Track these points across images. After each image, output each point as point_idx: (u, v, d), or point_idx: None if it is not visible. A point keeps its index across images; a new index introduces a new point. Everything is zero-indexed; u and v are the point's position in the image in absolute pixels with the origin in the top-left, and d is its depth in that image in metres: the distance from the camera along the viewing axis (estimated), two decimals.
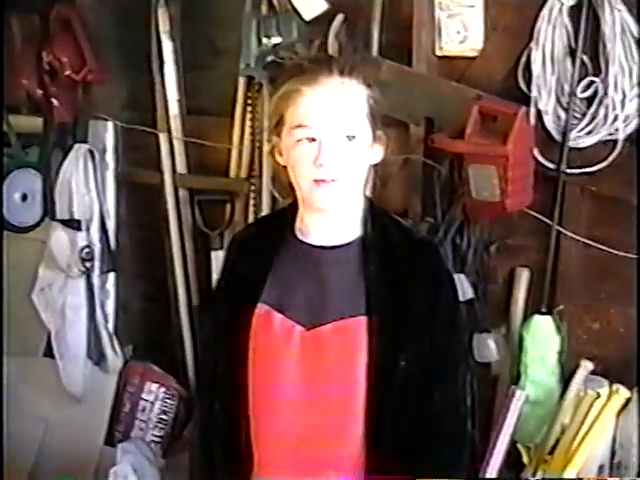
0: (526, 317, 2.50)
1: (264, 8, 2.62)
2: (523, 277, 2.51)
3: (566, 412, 2.40)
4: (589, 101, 2.28)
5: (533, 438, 2.47)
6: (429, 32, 2.46)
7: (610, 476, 2.43)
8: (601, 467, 2.43)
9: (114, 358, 2.94)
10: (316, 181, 1.46)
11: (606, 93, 2.23)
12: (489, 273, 2.54)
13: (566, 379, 2.45)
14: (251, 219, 2.78)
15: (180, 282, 2.97)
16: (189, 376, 2.99)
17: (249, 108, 2.73)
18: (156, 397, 2.94)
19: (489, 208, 2.32)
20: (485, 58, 2.43)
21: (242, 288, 1.57)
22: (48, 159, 2.91)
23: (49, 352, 2.98)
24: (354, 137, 1.46)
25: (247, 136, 2.76)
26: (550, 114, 2.31)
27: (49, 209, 2.88)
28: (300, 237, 1.56)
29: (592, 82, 2.26)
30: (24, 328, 3.05)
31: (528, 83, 2.33)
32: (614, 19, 2.17)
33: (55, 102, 2.86)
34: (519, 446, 2.50)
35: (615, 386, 2.32)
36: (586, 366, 2.42)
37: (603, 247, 2.38)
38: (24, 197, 2.93)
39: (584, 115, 2.28)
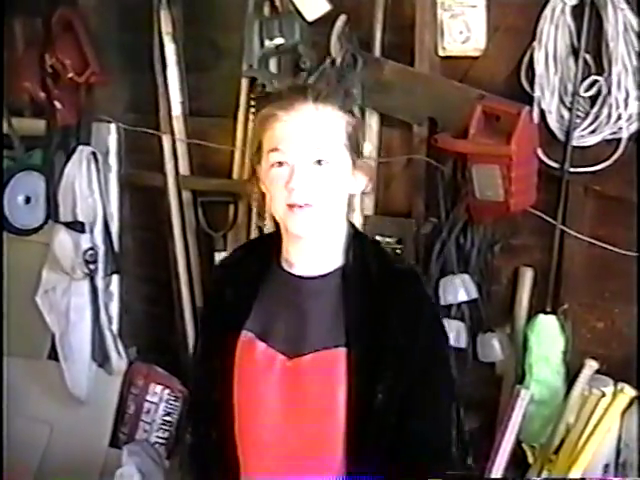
0: (530, 317, 2.49)
1: (266, 9, 2.63)
2: (527, 277, 2.51)
3: (571, 411, 2.40)
4: (592, 100, 2.28)
5: (538, 438, 2.47)
6: (432, 32, 2.46)
7: (615, 475, 2.43)
8: (606, 466, 2.43)
9: (118, 360, 2.95)
10: (289, 206, 1.46)
11: (609, 92, 2.22)
12: (493, 273, 2.53)
13: (571, 378, 2.44)
14: (254, 220, 2.78)
15: (184, 284, 2.97)
16: None
17: (252, 109, 2.73)
18: (160, 399, 2.94)
19: (493, 208, 2.31)
20: (488, 58, 2.43)
21: (228, 314, 1.59)
22: (51, 161, 2.92)
23: (53, 354, 2.98)
24: (327, 162, 1.46)
25: (250, 137, 2.76)
26: (553, 113, 2.30)
27: (52, 211, 2.89)
28: (284, 266, 1.56)
29: (595, 81, 2.25)
30: (28, 330, 3.06)
31: (531, 83, 2.32)
32: (617, 18, 2.17)
33: (58, 105, 2.87)
34: (524, 446, 2.50)
35: (620, 385, 2.31)
36: (591, 365, 2.42)
37: (607, 246, 2.37)
38: (27, 200, 2.93)
39: (587, 114, 2.27)
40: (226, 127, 2.82)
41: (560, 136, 2.31)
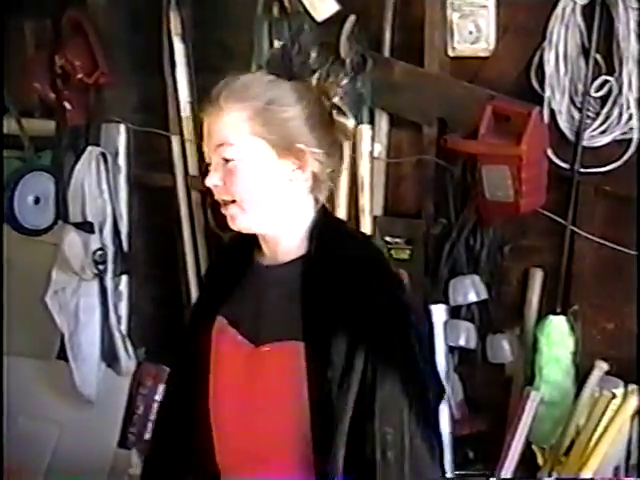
0: (540, 318, 2.48)
1: (275, 10, 2.62)
2: (537, 277, 2.50)
3: (581, 413, 2.39)
4: (603, 100, 2.27)
5: (548, 439, 2.46)
6: (441, 33, 2.46)
7: (625, 477, 2.42)
8: (617, 468, 2.42)
9: (127, 360, 2.95)
10: (219, 202, 1.50)
11: (620, 92, 2.22)
12: (503, 274, 2.53)
13: (581, 380, 2.44)
14: None
15: (193, 284, 2.97)
16: None
17: None
18: None
19: (503, 209, 2.31)
20: (498, 58, 2.43)
21: (207, 301, 1.61)
22: (61, 162, 2.92)
23: (63, 355, 2.99)
24: (234, 160, 1.44)
25: None
26: (564, 114, 2.30)
27: (62, 212, 2.89)
28: (257, 256, 1.56)
29: (606, 81, 2.25)
30: (37, 331, 3.07)
31: (541, 83, 2.32)
32: (628, 17, 2.16)
33: (68, 105, 2.88)
34: (534, 447, 2.49)
35: (630, 387, 2.30)
36: (601, 366, 2.41)
37: (617, 247, 2.36)
38: (37, 200, 2.94)
39: (598, 114, 2.27)
40: None
41: (570, 136, 2.31)
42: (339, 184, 2.56)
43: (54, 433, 2.99)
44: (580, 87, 2.28)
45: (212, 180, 1.48)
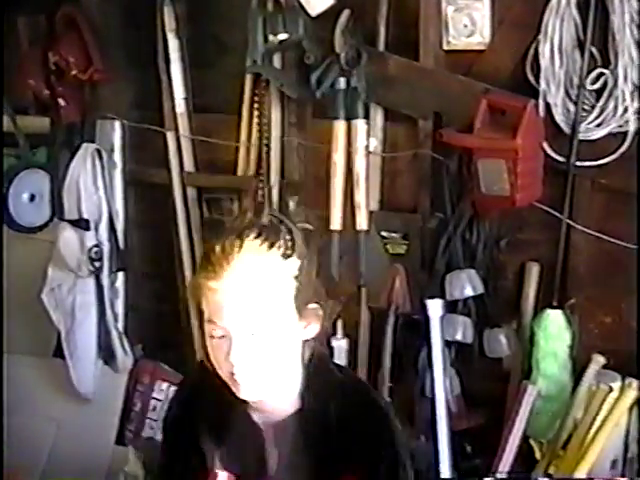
0: (537, 311, 2.48)
1: (270, 5, 2.61)
2: (533, 271, 2.50)
3: (578, 407, 2.39)
4: (598, 93, 2.26)
5: (545, 433, 2.46)
6: (436, 26, 2.45)
7: (623, 470, 2.42)
8: (614, 462, 2.42)
9: (124, 357, 2.94)
10: (233, 374, 1.36)
11: (616, 85, 2.21)
12: (499, 268, 2.53)
13: (578, 373, 2.43)
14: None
15: (189, 280, 2.96)
16: None
17: (256, 105, 2.72)
18: (166, 396, 2.93)
19: (499, 202, 2.31)
20: (493, 52, 2.42)
21: (195, 456, 1.51)
22: (56, 159, 2.92)
23: (59, 352, 2.98)
24: (265, 331, 1.33)
25: (254, 133, 2.75)
26: (559, 107, 2.29)
27: (57, 209, 2.89)
28: (241, 405, 1.46)
29: (601, 74, 2.24)
30: (34, 328, 3.06)
31: (536, 76, 2.31)
32: (623, 9, 2.15)
33: (62, 102, 2.87)
34: (531, 441, 2.49)
35: (628, 380, 2.30)
36: (598, 360, 2.40)
37: (614, 240, 2.36)
38: (32, 197, 2.93)
39: (593, 107, 2.26)
40: (230, 123, 2.81)
41: (566, 130, 2.30)
42: (335, 179, 2.57)
43: (51, 430, 2.99)
44: (575, 80, 2.27)
45: (240, 359, 1.34)
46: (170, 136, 2.91)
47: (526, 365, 2.49)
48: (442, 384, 2.43)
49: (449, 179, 2.45)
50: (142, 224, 3.10)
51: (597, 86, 2.25)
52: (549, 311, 2.42)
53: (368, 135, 2.55)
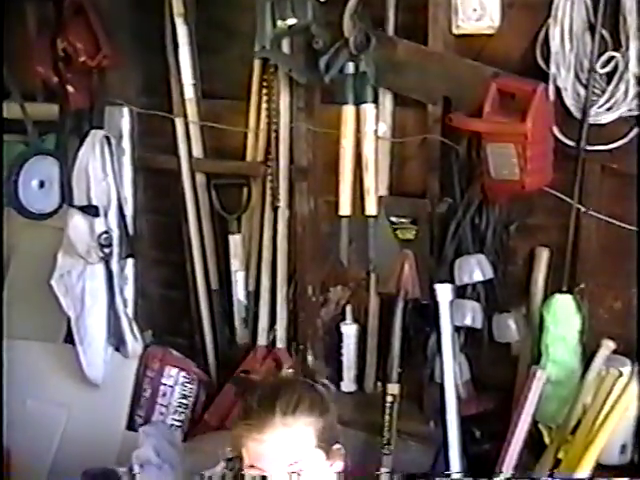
0: (546, 297, 2.47)
1: None
2: (543, 256, 2.49)
3: (588, 392, 2.38)
4: (609, 77, 2.24)
5: (555, 418, 2.45)
6: (445, 10, 2.42)
7: (632, 455, 2.42)
8: (623, 447, 2.42)
9: (134, 343, 2.95)
10: None
11: (626, 68, 2.19)
12: (509, 253, 2.52)
13: (588, 359, 2.43)
14: (268, 202, 2.77)
15: (198, 267, 2.97)
16: (208, 360, 3.00)
17: (265, 90, 2.71)
18: (176, 381, 2.95)
19: (508, 187, 2.29)
20: (502, 35, 2.40)
21: None
22: (65, 146, 2.92)
23: (70, 338, 3.00)
24: (302, 471, 1.58)
25: (263, 119, 2.75)
26: (569, 91, 2.27)
27: (67, 196, 2.89)
28: None
29: (612, 57, 2.22)
30: (44, 315, 3.07)
31: (546, 60, 2.29)
32: None
33: (70, 88, 2.87)
34: (540, 426, 2.49)
35: (637, 365, 2.29)
36: (608, 345, 2.40)
37: (624, 225, 2.35)
38: (42, 184, 2.94)
39: (604, 91, 2.24)
40: (239, 109, 2.81)
41: (576, 114, 2.28)
42: (344, 164, 2.56)
43: (62, 416, 3.00)
44: (586, 63, 2.25)
45: None
46: (179, 122, 2.91)
47: (535, 350, 2.48)
48: (451, 369, 2.43)
49: (458, 164, 2.43)
50: (151, 210, 3.10)
51: (608, 69, 2.23)
52: (558, 296, 2.41)
53: (377, 120, 2.54)
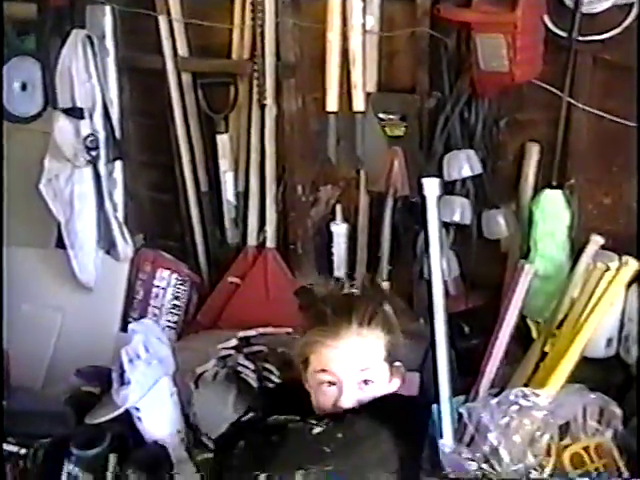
0: (536, 193, 2.46)
1: None
2: (533, 152, 2.47)
3: (575, 287, 2.40)
4: None
5: (542, 313, 2.48)
6: None
7: (618, 348, 2.45)
8: (609, 340, 2.45)
9: (124, 246, 2.95)
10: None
11: None
12: (498, 148, 2.50)
13: (576, 254, 2.43)
14: (255, 100, 2.72)
15: (187, 169, 2.94)
16: (200, 262, 3.01)
17: None
18: (168, 283, 2.97)
19: (497, 79, 2.25)
20: None
21: None
22: (46, 46, 2.83)
23: (61, 244, 3.00)
24: (372, 382, 1.73)
25: (248, 14, 2.67)
26: None
27: (50, 98, 2.83)
28: None
29: None
30: (34, 220, 3.06)
31: None
32: None
33: None
34: (529, 321, 2.52)
35: (625, 258, 2.29)
36: (596, 241, 2.40)
37: (616, 119, 2.31)
38: (24, 86, 2.87)
39: None
40: (224, 5, 2.73)
41: (568, 2, 2.23)
42: (330, 59, 2.50)
43: (57, 319, 3.03)
44: None
45: (349, 403, 1.71)
46: (162, 20, 2.82)
47: (524, 247, 2.49)
48: (439, 265, 2.42)
49: (447, 57, 2.39)
50: (137, 112, 3.04)
51: None
52: (548, 191, 2.40)
53: (364, 13, 2.47)
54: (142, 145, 3.09)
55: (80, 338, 2.95)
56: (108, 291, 2.99)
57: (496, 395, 2.25)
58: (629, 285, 2.35)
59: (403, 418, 1.74)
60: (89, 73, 2.82)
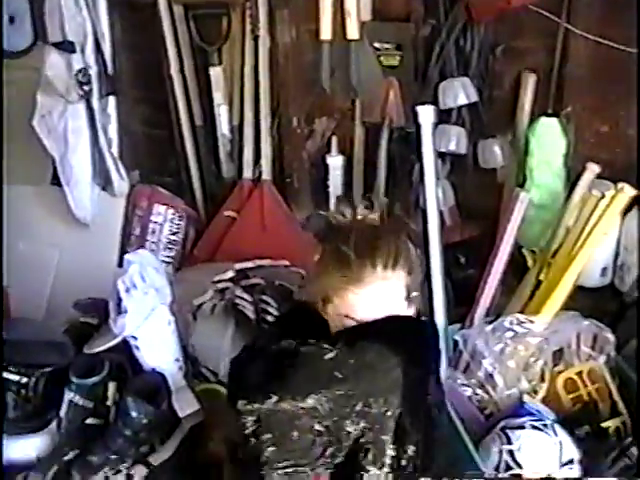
0: (533, 122, 2.44)
1: None
2: (530, 81, 2.44)
3: (571, 215, 2.40)
4: None
5: (537, 242, 2.49)
6: None
7: (613, 277, 2.46)
8: (604, 269, 2.46)
9: (120, 182, 2.93)
10: None
11: None
12: (494, 77, 2.47)
13: (572, 183, 2.43)
14: (248, 32, 2.68)
15: (181, 103, 2.91)
16: (196, 196, 3.00)
17: None
18: (165, 218, 2.97)
19: (493, 4, 2.21)
20: None
21: None
22: None
23: (56, 181, 2.98)
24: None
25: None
26: None
27: (40, 32, 2.79)
28: None
29: None
30: (29, 157, 3.04)
31: None
32: None
33: None
34: (524, 250, 2.52)
35: (620, 185, 2.29)
36: (592, 169, 2.39)
37: (614, 45, 2.28)
38: (12, 20, 2.82)
39: None
40: None
41: None
42: None
43: (54, 256, 3.03)
44: None
45: None
46: None
47: (521, 176, 2.48)
48: (434, 193, 2.43)
49: None
50: (130, 47, 2.99)
51: None
52: (544, 119, 2.39)
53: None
54: (135, 81, 3.04)
55: (78, 274, 2.95)
56: (105, 227, 2.99)
57: (491, 322, 2.28)
58: (625, 213, 2.35)
59: (414, 341, 1.71)
60: (79, 6, 2.76)
